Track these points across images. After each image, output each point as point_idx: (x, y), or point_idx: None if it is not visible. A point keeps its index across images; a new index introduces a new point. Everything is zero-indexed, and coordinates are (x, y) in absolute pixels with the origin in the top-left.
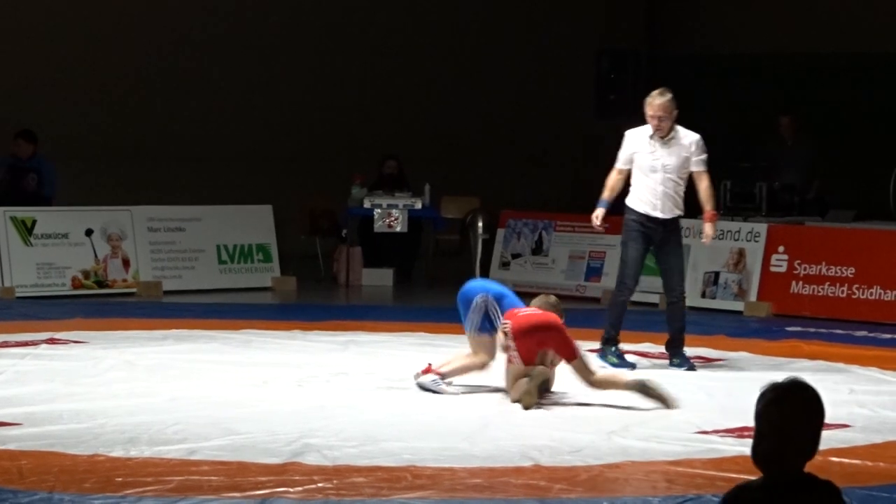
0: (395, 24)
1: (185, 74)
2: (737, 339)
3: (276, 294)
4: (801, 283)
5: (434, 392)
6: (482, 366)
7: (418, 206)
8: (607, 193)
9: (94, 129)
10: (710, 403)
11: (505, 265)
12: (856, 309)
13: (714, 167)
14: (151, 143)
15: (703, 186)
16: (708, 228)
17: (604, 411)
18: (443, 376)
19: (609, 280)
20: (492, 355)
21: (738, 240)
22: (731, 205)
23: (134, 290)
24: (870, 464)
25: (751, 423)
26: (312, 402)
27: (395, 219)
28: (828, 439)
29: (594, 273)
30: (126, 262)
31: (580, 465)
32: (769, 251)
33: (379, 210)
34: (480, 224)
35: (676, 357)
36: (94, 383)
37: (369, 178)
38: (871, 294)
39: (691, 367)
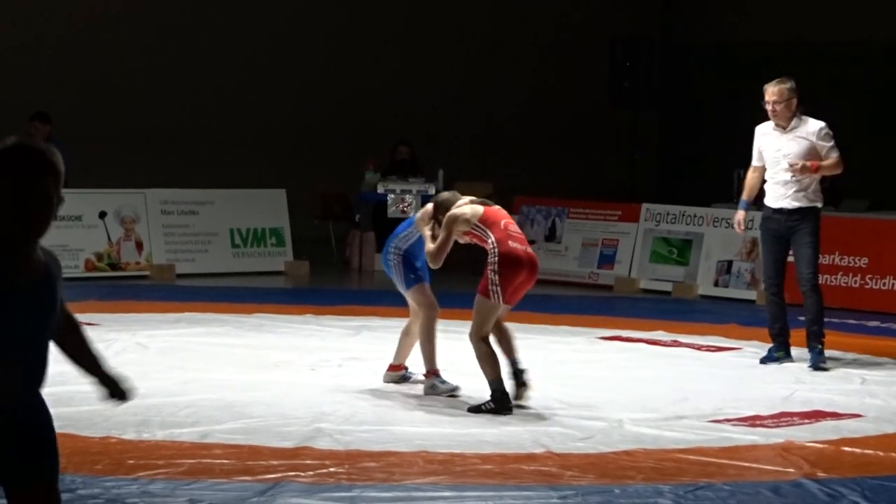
0: (410, 8)
1: (199, 57)
2: (749, 327)
3: (289, 278)
4: None
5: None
6: (430, 320)
7: (432, 191)
8: (745, 194)
9: (107, 112)
10: (722, 392)
11: None
12: (868, 299)
13: (730, 156)
14: (165, 126)
15: (830, 160)
16: (798, 165)
17: (616, 398)
18: (400, 367)
19: (622, 268)
20: (430, 304)
21: (751, 229)
22: None
23: (147, 272)
24: (881, 454)
25: (763, 411)
26: (325, 386)
27: (409, 204)
28: (840, 429)
29: (607, 260)
30: (139, 245)
31: (592, 453)
32: None
33: (392, 195)
34: None
35: (810, 350)
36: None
37: (382, 163)
38: (884, 284)
39: (816, 366)
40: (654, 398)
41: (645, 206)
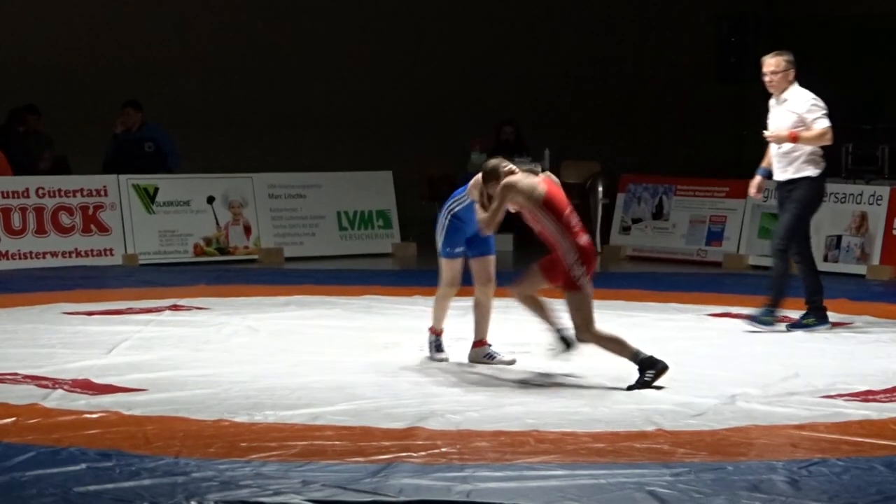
0: None
1: (304, 41)
2: (859, 302)
3: (397, 260)
4: None
5: (440, 359)
6: (444, 296)
7: (538, 170)
8: (764, 161)
9: (214, 97)
10: (833, 367)
11: (625, 230)
12: None
13: (835, 130)
14: (272, 110)
15: (813, 130)
16: (774, 133)
17: (726, 375)
18: (434, 331)
19: (730, 244)
20: (451, 282)
21: (860, 203)
22: (853, 167)
23: (255, 256)
24: None
25: (875, 386)
26: (434, 366)
27: None
28: None
29: (715, 237)
30: (247, 229)
31: (704, 430)
32: (892, 214)
33: None
34: (601, 188)
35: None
36: (218, 349)
37: (487, 143)
38: None
39: (755, 319)
40: (765, 374)
41: None
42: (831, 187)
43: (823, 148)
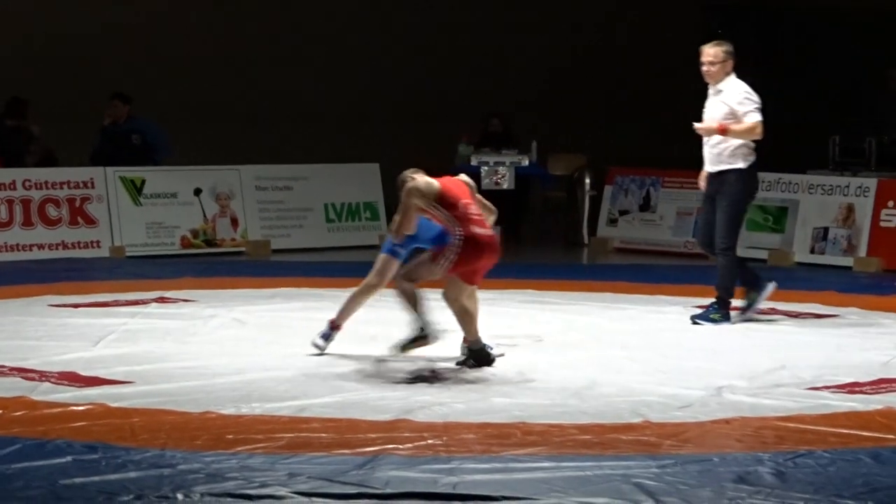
0: None
1: (292, 33)
2: (846, 294)
3: None
4: None
5: (318, 347)
6: (368, 288)
7: (525, 163)
8: None
9: (201, 89)
10: (819, 359)
11: (612, 222)
12: None
13: (822, 122)
14: (259, 102)
15: (743, 124)
16: (703, 126)
17: (713, 367)
18: (334, 325)
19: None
20: (379, 279)
21: (847, 195)
22: (840, 160)
23: (242, 249)
24: None
25: (861, 378)
26: (421, 358)
27: (503, 176)
28: None
29: None
30: (234, 221)
31: (690, 421)
32: (879, 206)
33: (486, 167)
34: (588, 181)
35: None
36: (205, 341)
37: (474, 135)
38: None
39: (695, 320)
40: (752, 366)
41: None
42: (818, 179)
43: (756, 141)
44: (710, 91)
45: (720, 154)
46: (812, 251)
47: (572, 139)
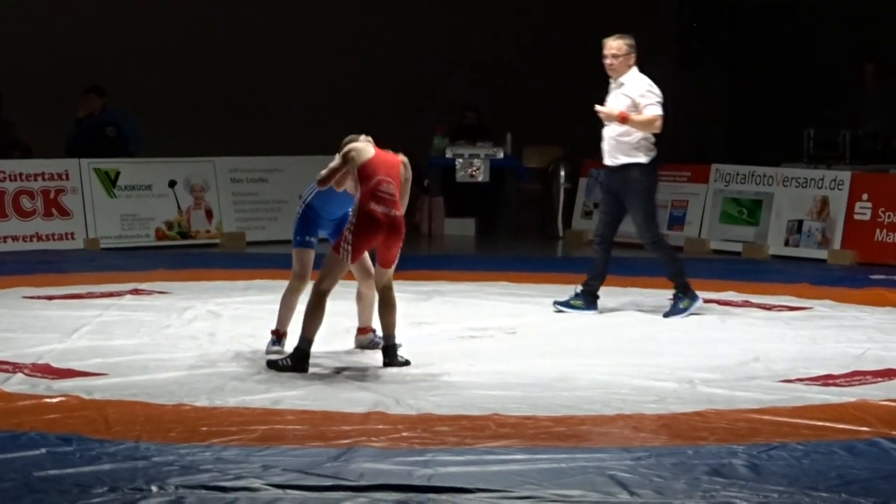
0: None
1: (267, 25)
2: (820, 287)
3: None
4: (885, 231)
5: (276, 354)
6: (294, 290)
7: (500, 155)
8: None
9: (174, 81)
10: (793, 352)
11: (587, 214)
12: None
13: (797, 115)
14: (234, 94)
15: (643, 115)
16: (605, 110)
17: (688, 359)
18: (277, 334)
19: (692, 229)
20: (300, 274)
21: (821, 188)
22: (815, 153)
23: (217, 241)
24: None
25: (835, 370)
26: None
27: (478, 168)
28: None
29: (677, 222)
30: (209, 214)
31: (664, 413)
32: (853, 199)
33: (461, 160)
34: (563, 173)
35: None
36: (179, 334)
37: (450, 128)
38: None
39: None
40: (726, 358)
41: (714, 166)
42: (792, 172)
43: (657, 136)
44: (612, 84)
45: (622, 146)
46: (786, 244)
47: (548, 132)
